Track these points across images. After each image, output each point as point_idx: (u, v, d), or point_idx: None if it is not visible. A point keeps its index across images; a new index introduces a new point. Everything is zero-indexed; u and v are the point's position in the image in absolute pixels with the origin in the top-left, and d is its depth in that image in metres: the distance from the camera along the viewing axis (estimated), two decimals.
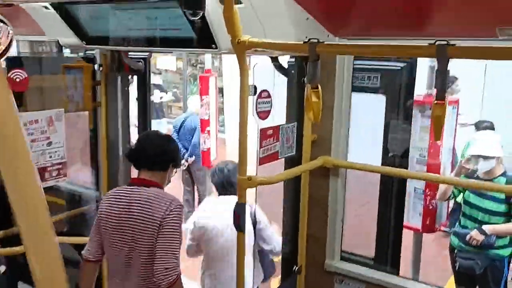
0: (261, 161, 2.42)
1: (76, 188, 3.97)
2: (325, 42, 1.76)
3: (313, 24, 2.45)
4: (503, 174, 4.13)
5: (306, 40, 1.94)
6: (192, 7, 1.97)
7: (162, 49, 2.85)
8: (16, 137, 0.76)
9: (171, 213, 2.46)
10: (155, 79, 14.77)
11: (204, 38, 2.53)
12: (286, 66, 2.84)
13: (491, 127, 6.27)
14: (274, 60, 2.60)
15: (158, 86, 14.54)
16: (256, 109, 2.39)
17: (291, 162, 2.82)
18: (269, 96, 2.46)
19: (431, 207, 4.55)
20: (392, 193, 2.76)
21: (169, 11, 2.50)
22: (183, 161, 7.06)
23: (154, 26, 2.69)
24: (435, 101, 1.52)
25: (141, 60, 3.68)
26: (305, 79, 2.66)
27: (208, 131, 6.27)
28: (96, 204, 3.79)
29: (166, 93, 14.89)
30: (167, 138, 2.88)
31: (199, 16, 2.13)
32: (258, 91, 2.38)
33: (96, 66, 3.59)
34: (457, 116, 4.69)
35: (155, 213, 2.46)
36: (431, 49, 1.53)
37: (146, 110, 3.91)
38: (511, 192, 3.70)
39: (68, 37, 3.22)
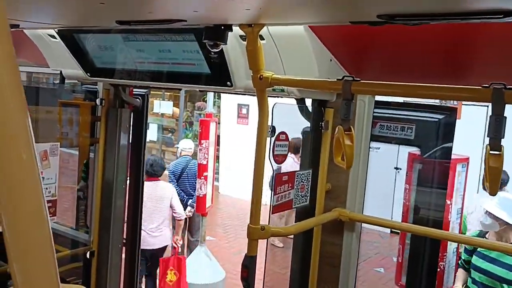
0: (275, 209, 2.21)
1: (64, 229, 3.69)
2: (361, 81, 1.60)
3: (335, 67, 2.32)
4: None
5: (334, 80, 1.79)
6: (214, 38, 1.82)
7: (173, 84, 2.69)
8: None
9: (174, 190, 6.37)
10: None
11: (219, 75, 2.39)
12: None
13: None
14: (300, 102, 2.44)
15: None
16: (273, 152, 2.20)
17: (303, 212, 2.61)
18: (287, 138, 2.29)
19: (438, 270, 4.30)
20: (424, 255, 2.53)
21: (184, 44, 2.36)
22: (189, 209, 6.94)
23: (165, 60, 2.54)
24: (490, 151, 1.35)
25: (139, 97, 3.54)
26: (323, 124, 2.54)
27: (205, 176, 6.05)
28: (85, 248, 3.51)
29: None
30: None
31: (219, 49, 1.98)
32: (276, 133, 2.20)
33: (97, 101, 3.41)
34: (466, 175, 4.54)
35: (168, 192, 6.17)
36: (486, 93, 1.38)
37: (140, 149, 3.71)
38: None
39: (72, 69, 3.08)
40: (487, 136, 1.39)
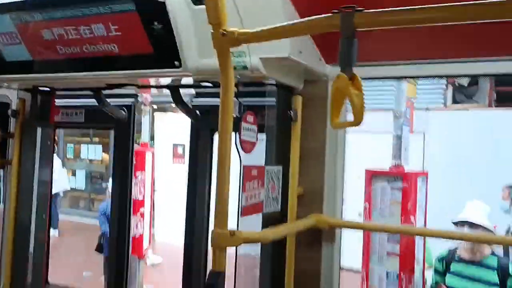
0: (245, 211, 1.74)
1: None
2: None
3: (309, 44, 1.96)
4: (493, 253, 3.66)
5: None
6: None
7: (107, 73, 2.15)
8: None
9: None
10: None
11: (164, 53, 1.93)
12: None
13: None
14: (174, 91, 2.02)
15: None
16: (240, 136, 1.75)
17: (271, 220, 2.12)
18: (254, 122, 1.85)
19: None
20: None
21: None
22: None
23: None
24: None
25: (124, 107, 2.71)
26: (292, 113, 2.13)
27: (142, 213, 5.40)
28: None
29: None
30: None
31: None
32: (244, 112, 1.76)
33: (9, 112, 2.80)
34: (426, 190, 4.30)
35: None
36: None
37: (127, 175, 2.76)
38: None
39: None
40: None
